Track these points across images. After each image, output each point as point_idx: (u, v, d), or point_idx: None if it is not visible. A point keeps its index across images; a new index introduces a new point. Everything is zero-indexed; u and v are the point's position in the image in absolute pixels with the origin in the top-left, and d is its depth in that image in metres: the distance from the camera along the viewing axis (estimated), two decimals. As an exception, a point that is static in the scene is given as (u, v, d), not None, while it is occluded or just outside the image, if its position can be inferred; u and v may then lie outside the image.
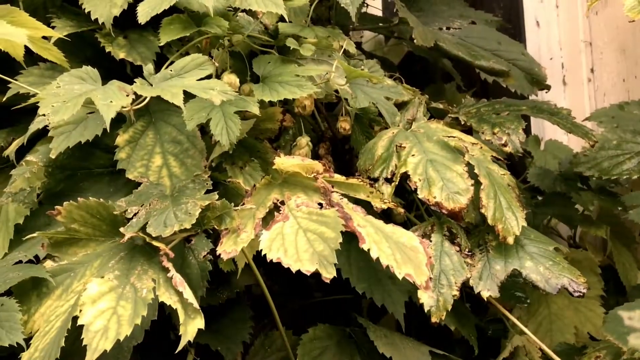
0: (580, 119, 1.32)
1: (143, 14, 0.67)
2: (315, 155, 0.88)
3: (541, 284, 0.72)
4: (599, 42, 1.42)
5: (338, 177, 0.67)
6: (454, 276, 0.72)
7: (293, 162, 0.66)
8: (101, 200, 0.63)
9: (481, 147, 0.78)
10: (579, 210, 1.08)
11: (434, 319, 0.71)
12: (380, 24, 1.18)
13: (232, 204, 0.64)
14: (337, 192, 0.66)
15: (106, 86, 0.62)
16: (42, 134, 0.81)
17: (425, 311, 0.71)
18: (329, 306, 1.06)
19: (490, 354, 1.01)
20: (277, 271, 0.71)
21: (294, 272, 0.57)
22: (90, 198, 0.62)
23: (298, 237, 0.59)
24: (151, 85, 0.65)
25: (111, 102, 0.59)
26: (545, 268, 0.73)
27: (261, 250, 0.59)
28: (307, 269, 0.56)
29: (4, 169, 0.87)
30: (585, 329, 1.04)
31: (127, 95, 0.61)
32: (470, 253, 0.74)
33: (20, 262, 0.67)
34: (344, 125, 0.83)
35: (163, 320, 0.67)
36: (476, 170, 0.72)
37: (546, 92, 1.13)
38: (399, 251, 0.60)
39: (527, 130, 1.30)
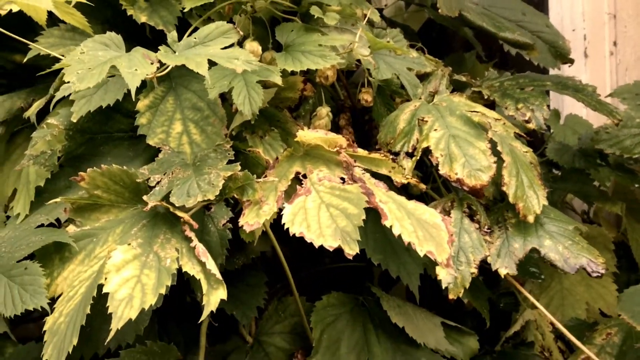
0: (602, 93, 1.31)
1: (167, -21, 0.66)
2: (335, 126, 0.87)
3: (560, 263, 0.72)
4: (623, 15, 1.39)
5: (361, 152, 0.67)
6: (472, 254, 0.72)
7: (316, 135, 0.66)
8: (124, 167, 0.63)
9: (504, 123, 0.77)
10: (597, 187, 1.08)
11: (451, 296, 0.71)
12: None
13: (254, 175, 0.64)
14: (359, 166, 0.66)
15: (130, 53, 0.62)
16: (61, 97, 0.81)
17: (443, 287, 0.71)
18: (342, 274, 1.07)
19: (502, 326, 1.02)
20: (290, 238, 0.72)
21: (316, 246, 0.57)
22: (114, 165, 0.62)
23: (321, 212, 0.59)
24: (175, 52, 0.64)
25: (136, 70, 0.58)
26: (565, 247, 0.73)
27: (284, 224, 0.59)
28: (330, 244, 0.56)
29: (23, 129, 0.87)
30: (597, 305, 1.04)
31: (152, 63, 0.60)
32: (489, 230, 0.74)
33: (42, 225, 0.67)
34: (366, 97, 0.82)
35: (179, 284, 0.68)
36: (499, 147, 0.71)
37: (569, 66, 1.11)
38: (421, 228, 0.60)
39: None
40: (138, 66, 0.59)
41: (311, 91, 0.85)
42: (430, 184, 0.92)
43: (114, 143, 0.80)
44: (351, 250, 0.56)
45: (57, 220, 0.69)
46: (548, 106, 0.82)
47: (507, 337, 0.96)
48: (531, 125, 0.80)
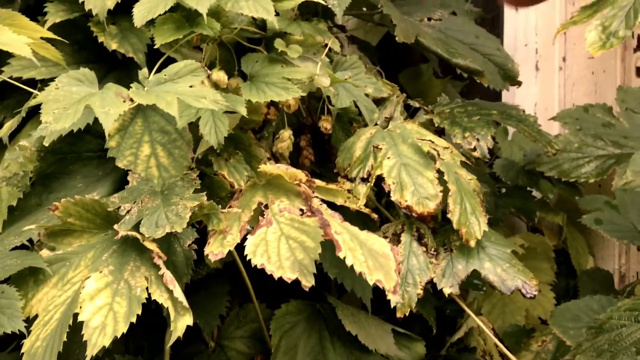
0: (550, 105, 1.38)
1: (139, 18, 0.70)
2: (296, 147, 0.92)
3: (497, 285, 0.79)
4: (573, 32, 1.47)
5: (318, 183, 0.72)
6: (419, 275, 0.78)
7: (278, 170, 0.71)
8: (96, 197, 0.67)
9: (452, 152, 0.84)
10: (539, 201, 1.16)
11: (399, 314, 0.78)
12: (365, 10, 1.21)
13: (219, 206, 0.69)
14: (317, 197, 0.71)
15: (103, 91, 0.65)
16: (31, 115, 0.84)
17: (392, 306, 0.78)
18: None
19: (448, 331, 1.10)
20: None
21: (275, 278, 0.63)
22: (86, 196, 0.66)
23: (280, 244, 0.65)
24: (144, 88, 0.68)
25: (109, 110, 0.62)
26: (502, 270, 0.80)
27: (246, 255, 0.64)
28: (289, 276, 0.62)
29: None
30: (536, 313, 1.13)
31: (124, 101, 0.64)
32: (435, 252, 0.81)
33: (17, 247, 0.71)
34: (326, 125, 0.87)
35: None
36: (445, 177, 0.78)
37: (517, 88, 1.18)
38: (372, 258, 0.66)
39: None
40: (111, 105, 0.63)
41: (274, 114, 0.90)
42: (383, 202, 0.98)
43: (83, 162, 0.84)
44: (308, 282, 0.61)
45: (30, 240, 0.73)
46: (493, 137, 0.88)
47: (452, 343, 1.04)
48: (476, 154, 0.87)
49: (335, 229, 0.67)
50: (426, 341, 1.02)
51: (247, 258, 0.65)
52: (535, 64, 1.48)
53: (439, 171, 0.79)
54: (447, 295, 0.81)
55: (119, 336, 0.57)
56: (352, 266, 0.93)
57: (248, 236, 0.67)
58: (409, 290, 0.79)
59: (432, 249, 0.82)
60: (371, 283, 0.65)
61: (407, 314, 0.78)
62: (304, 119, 1.02)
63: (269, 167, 0.71)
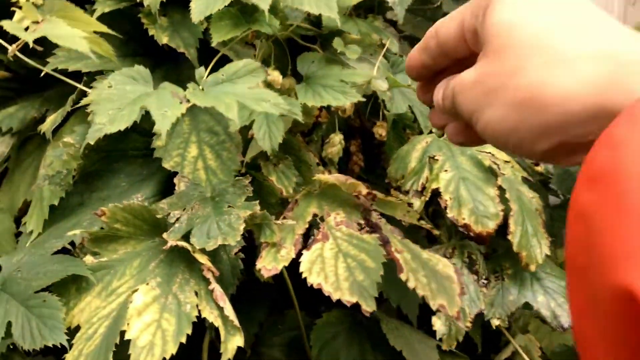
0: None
1: (197, 13, 0.65)
2: (345, 151, 0.88)
3: (549, 320, 0.74)
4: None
5: (378, 195, 0.68)
6: (469, 307, 0.74)
7: (336, 180, 0.67)
8: (140, 197, 0.64)
9: (513, 166, 0.79)
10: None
11: (445, 347, 0.74)
12: (419, 6, 1.16)
13: (273, 216, 0.65)
14: (375, 210, 0.67)
15: (159, 91, 0.61)
16: (75, 110, 0.81)
17: (437, 338, 0.74)
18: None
19: (493, 348, 1.05)
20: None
21: (333, 300, 0.58)
22: (135, 201, 0.63)
23: (338, 262, 0.61)
24: (201, 88, 0.64)
25: (166, 111, 0.58)
26: (557, 304, 0.75)
27: (301, 272, 0.60)
28: (348, 299, 0.58)
29: (34, 136, 0.87)
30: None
31: (181, 103, 0.60)
32: (486, 282, 0.76)
33: (58, 251, 0.68)
34: (380, 131, 0.83)
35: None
36: (507, 195, 0.73)
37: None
38: (435, 280, 0.61)
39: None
40: (168, 107, 0.59)
41: (326, 117, 0.85)
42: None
43: (127, 160, 0.80)
44: (368, 307, 0.57)
45: (72, 243, 0.70)
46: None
47: (499, 362, 0.99)
48: (539, 168, 0.82)
49: (396, 247, 0.63)
50: (471, 358, 0.98)
51: (303, 276, 0.61)
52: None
53: (500, 188, 0.74)
54: (494, 327, 0.77)
55: (167, 358, 0.54)
56: (397, 281, 0.91)
57: (304, 252, 0.63)
58: (457, 322, 0.75)
59: (484, 277, 0.78)
60: (434, 308, 0.60)
61: (452, 346, 0.74)
62: (352, 122, 0.97)
63: (326, 177, 0.66)
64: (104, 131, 0.57)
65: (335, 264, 0.60)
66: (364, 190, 0.66)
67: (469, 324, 0.75)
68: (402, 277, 0.60)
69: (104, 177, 0.79)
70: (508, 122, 0.39)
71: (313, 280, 0.59)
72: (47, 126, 0.76)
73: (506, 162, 0.78)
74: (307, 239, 0.67)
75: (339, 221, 0.65)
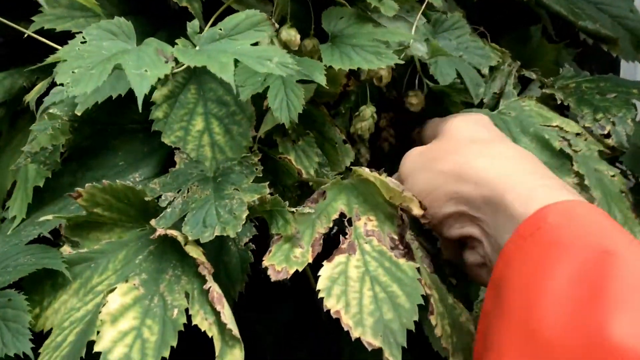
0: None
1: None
2: (375, 128, 0.75)
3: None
4: None
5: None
6: None
7: (376, 178, 0.54)
8: (138, 178, 0.54)
9: (586, 139, 0.65)
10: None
11: None
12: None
13: (287, 203, 0.53)
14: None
15: (141, 48, 0.50)
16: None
17: None
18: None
19: None
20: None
21: (352, 338, 0.46)
22: (117, 181, 0.52)
23: (364, 289, 0.48)
24: (194, 46, 0.53)
25: (145, 71, 0.47)
26: None
27: (318, 290, 0.48)
28: (369, 340, 0.45)
29: (27, 110, 0.77)
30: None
31: (166, 62, 0.49)
32: None
33: (36, 238, 0.58)
34: (414, 100, 0.70)
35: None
36: (587, 181, 0.59)
37: (650, 61, 0.96)
38: (456, 332, 0.50)
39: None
40: (149, 66, 0.47)
41: (355, 86, 0.73)
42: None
43: (126, 136, 0.69)
44: (393, 357, 0.45)
45: (54, 231, 0.60)
46: (633, 119, 0.69)
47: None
48: (610, 142, 0.67)
49: (426, 282, 0.50)
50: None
51: (319, 296, 0.48)
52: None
53: (577, 174, 0.61)
54: None
55: (145, 377, 0.43)
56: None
57: (324, 263, 0.50)
58: None
59: None
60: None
61: None
62: (387, 94, 0.84)
63: (366, 172, 0.54)
64: (66, 94, 0.46)
65: (360, 290, 0.48)
66: (416, 210, 0.53)
67: None
68: (432, 320, 0.48)
69: (99, 154, 0.68)
70: (432, 184, 0.53)
71: (331, 305, 0.47)
72: (31, 96, 0.66)
73: (577, 134, 0.64)
74: (328, 240, 0.55)
75: (369, 230, 0.52)
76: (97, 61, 0.47)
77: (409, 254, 0.50)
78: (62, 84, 0.45)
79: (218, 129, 0.65)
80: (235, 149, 0.64)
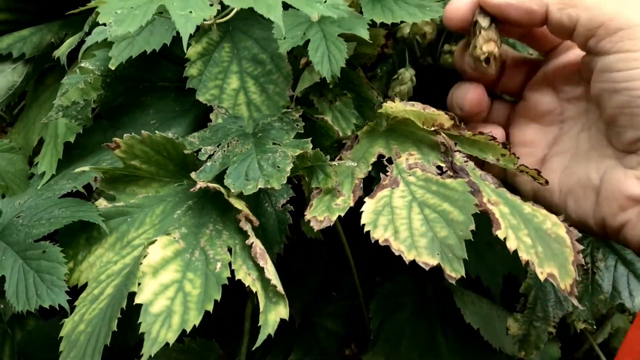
0: None
1: None
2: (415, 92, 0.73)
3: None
4: None
5: (465, 133, 0.53)
6: (553, 308, 0.59)
7: (409, 109, 0.52)
8: (169, 135, 0.51)
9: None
10: None
11: (521, 355, 0.59)
12: None
13: (328, 156, 0.51)
14: (460, 151, 0.52)
15: (185, -10, 0.48)
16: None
17: (513, 344, 0.59)
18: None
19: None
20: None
21: (407, 262, 0.44)
22: (157, 132, 0.50)
23: (412, 214, 0.46)
24: (240, -10, 0.50)
25: (190, 12, 0.45)
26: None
27: (363, 225, 0.46)
28: (425, 260, 0.43)
29: (54, 67, 0.75)
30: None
31: (211, 5, 0.47)
32: None
33: (69, 193, 0.56)
34: (450, 59, 0.67)
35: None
36: None
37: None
38: (541, 242, 0.46)
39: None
40: (193, 7, 0.45)
41: (392, 48, 0.70)
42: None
43: (158, 94, 0.67)
44: (454, 272, 0.43)
45: (88, 187, 0.58)
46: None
47: (592, 346, 0.84)
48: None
49: (489, 198, 0.48)
50: (561, 340, 0.83)
51: (365, 230, 0.47)
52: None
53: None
54: (577, 331, 0.62)
55: (188, 329, 0.41)
56: (475, 244, 0.76)
57: (366, 199, 0.49)
58: (537, 325, 0.60)
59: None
60: (542, 277, 0.45)
61: (532, 355, 0.59)
62: (421, 59, 0.82)
63: (397, 105, 0.52)
64: (111, 34, 0.44)
65: (408, 216, 0.46)
66: (447, 122, 0.51)
67: (552, 330, 0.60)
68: (500, 234, 0.45)
69: (130, 112, 0.66)
70: None
71: (378, 235, 0.45)
72: (62, 50, 0.64)
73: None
74: (369, 185, 0.53)
75: (412, 163, 0.51)
76: (140, 2, 0.44)
77: (457, 175, 0.48)
78: (104, 25, 0.43)
79: (254, 87, 0.63)
80: (272, 107, 0.62)
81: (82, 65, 0.62)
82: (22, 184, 0.66)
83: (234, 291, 0.71)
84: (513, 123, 0.56)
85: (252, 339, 0.76)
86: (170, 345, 0.39)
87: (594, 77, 0.47)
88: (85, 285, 0.49)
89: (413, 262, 0.46)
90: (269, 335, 0.82)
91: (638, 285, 0.63)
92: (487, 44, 0.52)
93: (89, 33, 0.64)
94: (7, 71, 0.69)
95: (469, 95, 0.57)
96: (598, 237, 0.56)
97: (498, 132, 0.54)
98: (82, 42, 0.65)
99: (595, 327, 0.64)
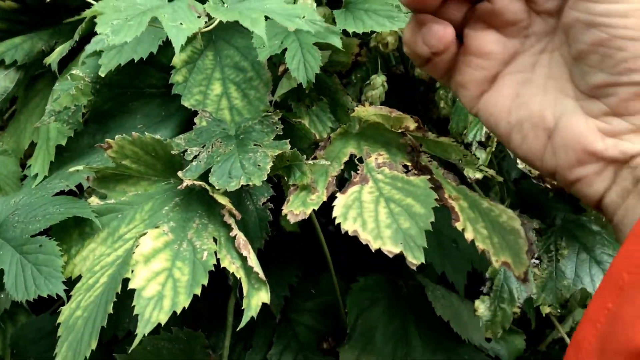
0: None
1: None
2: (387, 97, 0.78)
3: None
4: None
5: (429, 134, 0.58)
6: (517, 290, 0.64)
7: (377, 111, 0.57)
8: (158, 137, 0.55)
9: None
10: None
11: (487, 335, 0.64)
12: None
13: (304, 155, 0.55)
14: (425, 152, 0.57)
15: (174, 3, 0.52)
16: (86, 43, 0.72)
17: (481, 325, 0.64)
18: (379, 253, 1.00)
19: (547, 324, 0.95)
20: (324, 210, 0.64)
21: (373, 250, 0.49)
22: (146, 134, 0.54)
23: (379, 207, 0.51)
24: (224, 5, 0.55)
25: (181, 24, 0.49)
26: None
27: (334, 217, 0.51)
28: (389, 249, 0.48)
29: (44, 74, 0.79)
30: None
31: (199, 17, 0.51)
32: (538, 261, 0.66)
33: (61, 192, 0.60)
34: (420, 71, 0.72)
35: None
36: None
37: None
38: (497, 233, 0.51)
39: None
40: (184, 19, 0.50)
41: (366, 56, 0.75)
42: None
43: (144, 100, 0.71)
44: (415, 259, 0.47)
45: (79, 186, 0.62)
46: None
47: (555, 339, 0.89)
48: None
49: (450, 194, 0.52)
50: (524, 334, 0.88)
51: (336, 222, 0.51)
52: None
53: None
54: (543, 315, 0.67)
55: (178, 311, 0.45)
56: (441, 241, 0.81)
57: (338, 195, 0.53)
58: (504, 306, 0.65)
59: (535, 255, 0.67)
60: (497, 265, 0.50)
61: (498, 335, 0.64)
62: (394, 67, 0.87)
63: (366, 109, 0.56)
64: (108, 43, 0.48)
65: (375, 209, 0.51)
66: (412, 124, 0.56)
67: (516, 310, 0.65)
68: (458, 226, 0.50)
69: (118, 117, 0.70)
70: None
71: (348, 226, 0.50)
72: (53, 57, 0.67)
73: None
74: (342, 183, 0.57)
75: (380, 162, 0.55)
76: (134, 13, 0.49)
77: (421, 173, 0.53)
78: (102, 33, 0.47)
79: (236, 93, 0.67)
80: (253, 112, 0.66)
81: (73, 72, 0.66)
82: (14, 185, 0.69)
83: (218, 286, 0.75)
84: (470, 24, 0.45)
85: (234, 333, 0.80)
86: (162, 325, 0.43)
87: (570, 2, 0.39)
88: (79, 278, 0.53)
89: (387, 259, 0.50)
90: (251, 330, 0.86)
91: (599, 270, 0.68)
92: None
93: (79, 42, 0.69)
94: (0, 77, 0.72)
95: None
96: (544, 175, 0.52)
97: (447, 32, 0.44)
98: (72, 49, 0.69)
99: (559, 310, 0.68)
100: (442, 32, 0.43)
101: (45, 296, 0.49)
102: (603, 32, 0.37)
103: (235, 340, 0.83)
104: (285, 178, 0.58)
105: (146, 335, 0.42)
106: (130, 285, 0.45)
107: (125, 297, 0.53)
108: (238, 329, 0.47)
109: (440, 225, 0.69)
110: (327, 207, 0.56)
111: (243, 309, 0.48)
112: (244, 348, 0.84)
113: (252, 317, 0.49)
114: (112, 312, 0.44)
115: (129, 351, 0.42)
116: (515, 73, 0.44)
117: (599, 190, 0.39)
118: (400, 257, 0.96)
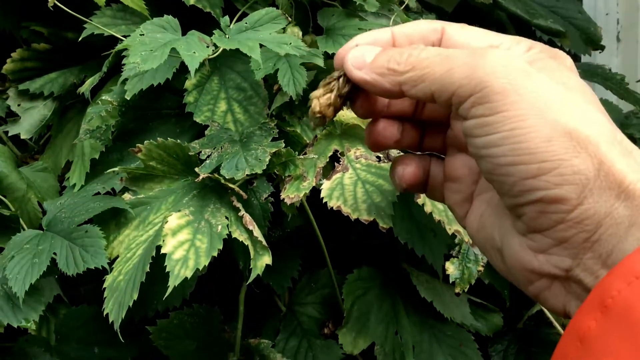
0: (633, 77, 1.31)
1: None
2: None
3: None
4: (656, 2, 1.40)
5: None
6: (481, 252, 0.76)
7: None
8: (178, 141, 0.68)
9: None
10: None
11: (457, 290, 0.75)
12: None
13: (296, 152, 0.68)
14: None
15: (187, 37, 0.66)
16: (112, 74, 0.86)
17: (450, 281, 0.76)
18: (369, 250, 1.12)
19: (523, 304, 1.06)
20: (321, 215, 0.76)
21: (352, 220, 0.61)
22: (168, 139, 0.67)
23: (357, 188, 0.64)
24: (227, 36, 0.68)
25: (194, 52, 0.62)
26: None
27: (322, 197, 0.63)
28: (365, 218, 0.61)
29: (74, 104, 0.92)
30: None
31: (207, 47, 0.64)
32: None
33: (98, 193, 0.72)
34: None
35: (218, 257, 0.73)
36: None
37: (600, 52, 1.13)
38: (452, 206, 0.64)
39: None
40: (196, 49, 0.63)
41: (347, 74, 0.89)
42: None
43: (162, 119, 0.85)
44: (385, 224, 0.60)
45: (112, 189, 0.75)
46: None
47: (530, 316, 1.00)
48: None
49: None
50: (502, 313, 0.99)
51: (324, 201, 0.64)
52: (617, 35, 1.41)
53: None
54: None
55: (200, 268, 0.57)
56: (421, 230, 0.93)
57: (324, 181, 0.66)
58: (470, 266, 0.77)
59: None
60: (450, 232, 0.63)
61: (465, 290, 0.76)
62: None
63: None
64: (139, 69, 0.61)
65: (354, 190, 0.63)
66: None
67: (480, 268, 0.77)
68: (419, 201, 0.63)
69: (140, 135, 0.83)
70: None
71: (333, 203, 0.62)
72: (85, 87, 0.81)
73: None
74: (328, 172, 0.70)
75: (358, 155, 0.68)
76: (157, 46, 0.62)
77: (390, 161, 0.65)
78: (134, 62, 0.60)
79: (239, 109, 0.80)
80: (253, 123, 0.79)
81: (103, 97, 0.79)
82: (53, 197, 0.82)
83: (230, 279, 0.87)
84: (447, 151, 0.49)
85: (246, 325, 0.92)
86: (189, 278, 0.55)
87: (466, 141, 0.41)
88: (117, 258, 0.65)
89: (377, 253, 0.61)
90: (260, 322, 0.96)
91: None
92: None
93: (106, 72, 0.82)
94: (40, 106, 0.86)
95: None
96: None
97: (407, 171, 0.49)
98: (101, 79, 0.82)
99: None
100: (402, 173, 0.49)
101: (93, 268, 0.62)
102: (488, 162, 0.39)
103: (247, 330, 0.94)
104: (282, 175, 0.70)
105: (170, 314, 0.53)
106: (162, 251, 0.58)
107: (152, 283, 0.65)
108: (248, 282, 0.59)
109: (420, 217, 0.82)
110: (326, 209, 0.68)
111: (257, 315, 0.60)
112: (255, 336, 0.95)
113: (260, 314, 0.61)
114: (149, 270, 0.56)
115: (164, 298, 0.54)
116: (483, 193, 0.45)
117: (558, 303, 0.39)
118: (388, 251, 1.07)
